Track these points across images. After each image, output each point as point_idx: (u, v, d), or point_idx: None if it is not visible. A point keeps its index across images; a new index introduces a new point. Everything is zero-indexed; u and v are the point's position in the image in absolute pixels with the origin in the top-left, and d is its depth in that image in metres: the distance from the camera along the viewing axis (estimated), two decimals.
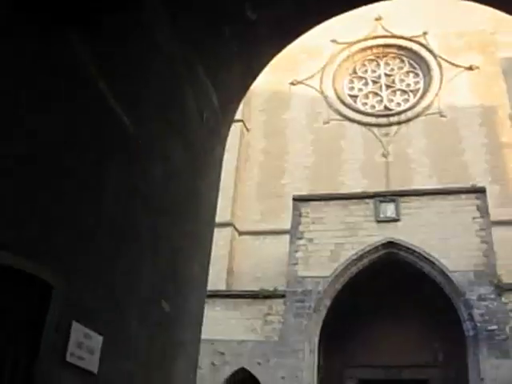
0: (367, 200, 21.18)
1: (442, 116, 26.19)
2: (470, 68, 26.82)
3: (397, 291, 21.94)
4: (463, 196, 20.54)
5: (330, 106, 27.83)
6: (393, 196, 21.15)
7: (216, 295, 20.53)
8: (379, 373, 21.92)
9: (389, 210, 20.70)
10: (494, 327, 18.76)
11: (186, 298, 6.26)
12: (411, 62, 28.67)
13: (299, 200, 21.75)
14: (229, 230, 24.39)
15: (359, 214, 20.90)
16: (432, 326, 21.98)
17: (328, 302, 20.01)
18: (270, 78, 26.18)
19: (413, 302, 21.93)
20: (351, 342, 22.20)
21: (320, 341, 20.12)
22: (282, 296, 20.12)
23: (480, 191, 20.55)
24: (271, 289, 20.49)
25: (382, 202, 20.91)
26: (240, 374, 19.84)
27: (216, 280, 21.36)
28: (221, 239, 22.42)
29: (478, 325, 18.78)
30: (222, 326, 19.61)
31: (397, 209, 20.65)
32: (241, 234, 25.19)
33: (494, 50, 26.99)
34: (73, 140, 4.02)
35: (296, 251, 20.62)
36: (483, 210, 20.07)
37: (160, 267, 5.56)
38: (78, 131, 4.11)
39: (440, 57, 27.51)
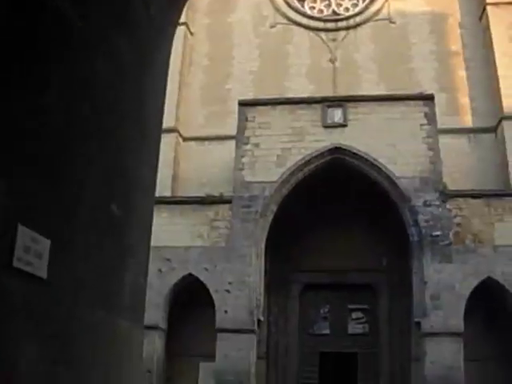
0: (314, 105, 20.89)
1: (391, 22, 25.76)
2: None
3: (343, 197, 21.97)
4: (411, 103, 20.46)
5: (277, 9, 27.04)
6: (340, 101, 20.92)
7: (161, 201, 20.14)
8: (324, 277, 22.28)
9: (336, 115, 20.50)
10: (438, 233, 19.08)
11: (135, 201, 5.95)
12: None
13: (245, 105, 21.34)
14: (173, 135, 23.88)
15: (306, 119, 20.66)
16: (377, 232, 22.34)
17: (274, 208, 19.99)
18: None
19: (359, 207, 22.10)
20: (297, 247, 22.45)
21: (267, 246, 20.21)
22: (229, 201, 20.00)
23: (428, 98, 20.49)
24: (217, 194, 20.32)
25: (329, 107, 20.68)
26: (187, 280, 19.90)
27: (161, 187, 20.80)
28: (165, 145, 21.76)
29: (423, 230, 19.09)
30: (168, 233, 19.40)
31: (344, 114, 20.45)
32: (185, 139, 24.71)
33: None
34: (11, 37, 3.59)
35: (242, 156, 20.36)
36: (431, 118, 20.07)
37: (108, 168, 5.21)
38: (16, 26, 3.67)
39: None
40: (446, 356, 18.18)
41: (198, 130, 24.83)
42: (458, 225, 19.18)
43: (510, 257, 18.80)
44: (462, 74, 24.26)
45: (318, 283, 22.55)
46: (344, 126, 20.33)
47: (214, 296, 19.26)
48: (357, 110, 20.50)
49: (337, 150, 20.09)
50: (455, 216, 19.29)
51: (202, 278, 19.48)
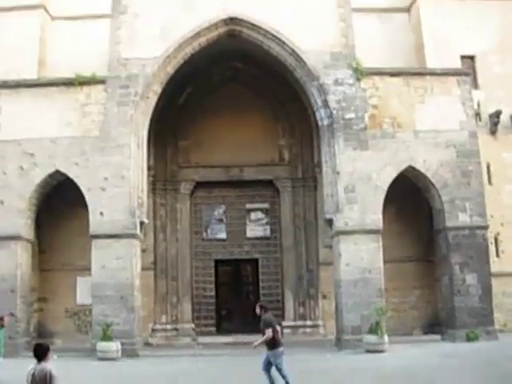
0: None
1: None
2: None
3: (239, 80, 19.85)
4: None
5: None
6: None
7: (21, 85, 16.86)
8: (218, 173, 19.93)
9: None
10: (352, 116, 16.65)
11: None
12: None
13: None
14: (40, 13, 19.80)
15: None
16: (278, 121, 20.26)
17: (158, 88, 16.95)
18: None
19: (257, 92, 19.92)
20: (186, 138, 20.07)
21: (149, 137, 17.29)
22: (103, 82, 16.71)
23: None
24: (89, 74, 16.78)
25: None
26: (55, 178, 16.81)
27: (25, 73, 17.49)
28: (27, 26, 18.65)
29: (334, 112, 16.61)
30: (30, 123, 16.45)
31: None
32: (54, 18, 20.66)
33: None
34: None
35: (118, 28, 17.21)
36: None
37: None
38: None
39: None
40: (363, 257, 15.96)
41: (69, 7, 20.75)
42: (374, 106, 16.76)
43: (432, 143, 16.56)
44: None
45: (211, 180, 20.07)
46: None
47: (87, 195, 16.21)
48: None
49: (232, 20, 17.18)
50: (371, 96, 16.82)
51: (71, 175, 16.36)
